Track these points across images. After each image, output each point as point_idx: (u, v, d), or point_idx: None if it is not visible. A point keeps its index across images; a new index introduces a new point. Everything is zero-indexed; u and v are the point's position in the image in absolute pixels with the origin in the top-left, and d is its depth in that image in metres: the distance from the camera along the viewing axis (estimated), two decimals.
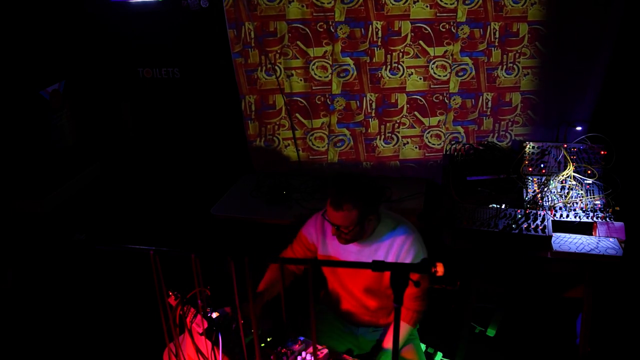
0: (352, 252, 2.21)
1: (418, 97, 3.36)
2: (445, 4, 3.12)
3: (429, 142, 3.46)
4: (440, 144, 3.44)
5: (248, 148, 3.65)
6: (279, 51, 3.36)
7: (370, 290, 2.27)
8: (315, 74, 3.39)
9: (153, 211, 4.01)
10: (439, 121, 3.39)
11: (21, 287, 3.51)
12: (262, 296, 2.23)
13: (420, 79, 3.31)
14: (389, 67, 3.31)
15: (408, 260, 2.13)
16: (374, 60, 3.31)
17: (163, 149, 4.01)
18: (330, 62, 3.35)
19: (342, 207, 2.02)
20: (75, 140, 4.00)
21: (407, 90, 3.36)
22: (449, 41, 3.20)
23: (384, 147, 3.51)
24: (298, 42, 3.32)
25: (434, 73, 3.29)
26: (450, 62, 3.24)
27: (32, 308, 3.42)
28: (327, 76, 3.39)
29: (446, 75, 3.28)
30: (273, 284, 2.31)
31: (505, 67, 3.22)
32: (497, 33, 3.15)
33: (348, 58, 3.32)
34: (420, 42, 3.23)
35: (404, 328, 2.23)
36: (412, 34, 3.21)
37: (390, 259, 2.16)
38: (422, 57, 3.26)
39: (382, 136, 3.49)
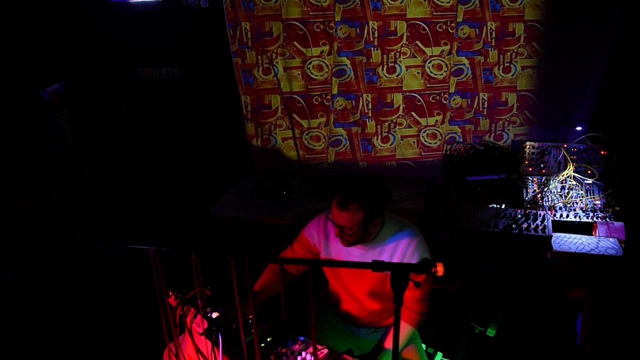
0: (356, 255, 2.20)
1: (415, 96, 3.36)
2: (442, 3, 3.12)
3: (426, 142, 3.46)
4: (437, 142, 3.44)
5: (248, 148, 3.65)
6: (276, 51, 3.36)
7: (373, 294, 2.26)
8: (312, 74, 3.39)
9: (153, 211, 4.01)
10: (436, 121, 3.40)
11: (21, 287, 3.51)
12: (257, 297, 2.23)
13: (417, 78, 3.31)
14: (385, 67, 3.31)
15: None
16: (370, 60, 3.31)
17: (163, 149, 4.01)
18: (328, 62, 3.35)
19: (348, 207, 2.00)
20: (75, 140, 4.00)
21: (403, 90, 3.36)
22: (445, 41, 3.20)
23: (381, 147, 3.51)
24: (295, 42, 3.33)
25: (431, 72, 3.29)
26: (446, 62, 3.25)
27: (32, 308, 3.42)
28: (323, 75, 3.39)
29: (442, 74, 3.28)
30: (269, 285, 2.30)
31: (502, 66, 3.22)
32: (494, 33, 3.15)
33: (345, 58, 3.32)
34: (417, 42, 3.23)
35: (407, 329, 2.23)
36: (409, 33, 3.22)
37: (395, 261, 2.15)
38: (418, 56, 3.26)
39: (380, 136, 3.49)
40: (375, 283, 2.21)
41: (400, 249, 2.14)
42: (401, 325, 2.15)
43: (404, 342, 2.25)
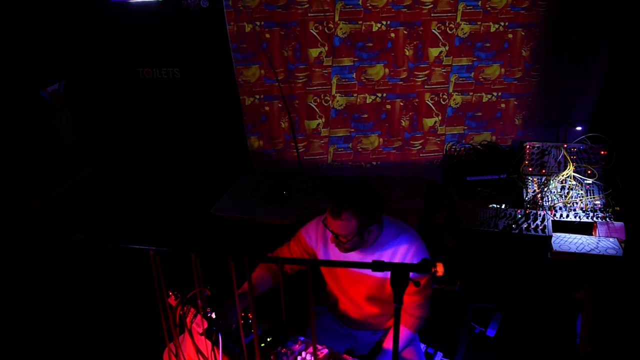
0: (354, 260, 2.19)
1: (416, 97, 3.36)
2: (442, 3, 3.12)
3: (428, 142, 3.46)
4: (437, 143, 3.44)
5: (248, 148, 3.65)
6: (277, 51, 3.36)
7: (372, 298, 2.26)
8: (313, 75, 3.39)
9: (153, 211, 4.01)
10: (435, 121, 3.40)
11: (21, 287, 3.51)
12: (247, 294, 2.22)
13: (418, 79, 3.31)
14: (387, 67, 3.31)
15: None
16: (371, 61, 3.31)
17: (163, 149, 4.01)
18: (329, 63, 3.35)
19: (341, 215, 1.99)
20: (75, 140, 4.00)
21: (405, 90, 3.36)
22: (444, 42, 3.20)
23: (381, 147, 3.51)
24: (296, 43, 3.33)
25: (432, 73, 3.29)
26: (447, 62, 3.24)
27: (32, 308, 3.42)
28: (325, 76, 3.39)
29: (442, 75, 3.28)
30: (261, 282, 2.29)
31: (504, 67, 3.22)
32: (495, 33, 3.14)
33: (346, 59, 3.32)
34: (417, 42, 3.23)
35: (406, 334, 2.22)
36: (409, 34, 3.21)
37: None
38: (419, 57, 3.26)
39: (381, 136, 3.49)
40: (374, 288, 2.21)
41: (399, 255, 2.13)
42: (400, 329, 2.15)
43: (402, 346, 2.24)
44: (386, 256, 2.14)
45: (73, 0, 3.71)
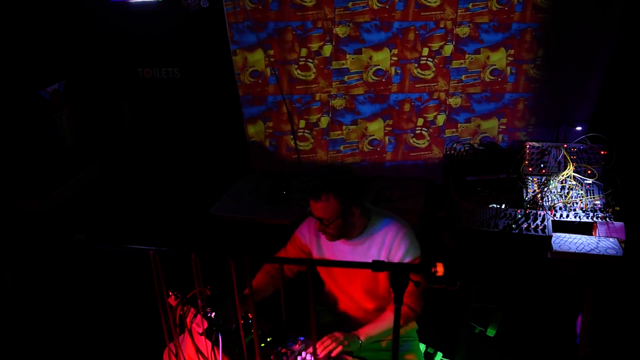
0: (345, 251, 2.21)
1: (415, 96, 3.36)
2: (441, 4, 3.11)
3: (428, 142, 3.46)
4: (437, 143, 3.44)
5: (248, 148, 3.65)
6: (277, 51, 3.36)
7: (368, 292, 2.27)
8: (313, 75, 3.39)
9: (153, 211, 4.01)
10: (435, 121, 3.40)
11: (21, 287, 3.51)
12: (249, 298, 2.23)
13: (416, 79, 3.31)
14: (386, 67, 3.31)
15: (400, 254, 2.14)
16: (370, 60, 3.31)
17: (163, 149, 4.01)
18: (328, 63, 3.35)
19: (321, 197, 2.06)
20: (75, 140, 4.00)
21: (403, 90, 3.36)
22: (444, 42, 3.20)
23: (381, 146, 3.51)
24: (296, 43, 3.32)
25: (431, 73, 3.29)
26: (447, 62, 3.24)
27: (32, 308, 3.42)
28: (326, 75, 3.39)
29: (440, 73, 3.28)
30: (263, 287, 2.31)
31: (503, 67, 3.22)
32: (495, 33, 3.14)
33: (343, 60, 3.32)
34: (416, 42, 3.22)
35: (388, 320, 2.19)
36: (407, 33, 3.21)
37: (383, 253, 2.16)
38: (418, 57, 3.26)
39: (380, 136, 3.49)
40: (367, 280, 2.22)
41: (387, 241, 2.16)
42: (386, 315, 2.15)
43: (381, 331, 2.16)
44: (376, 243, 2.17)
45: (73, 0, 3.71)
